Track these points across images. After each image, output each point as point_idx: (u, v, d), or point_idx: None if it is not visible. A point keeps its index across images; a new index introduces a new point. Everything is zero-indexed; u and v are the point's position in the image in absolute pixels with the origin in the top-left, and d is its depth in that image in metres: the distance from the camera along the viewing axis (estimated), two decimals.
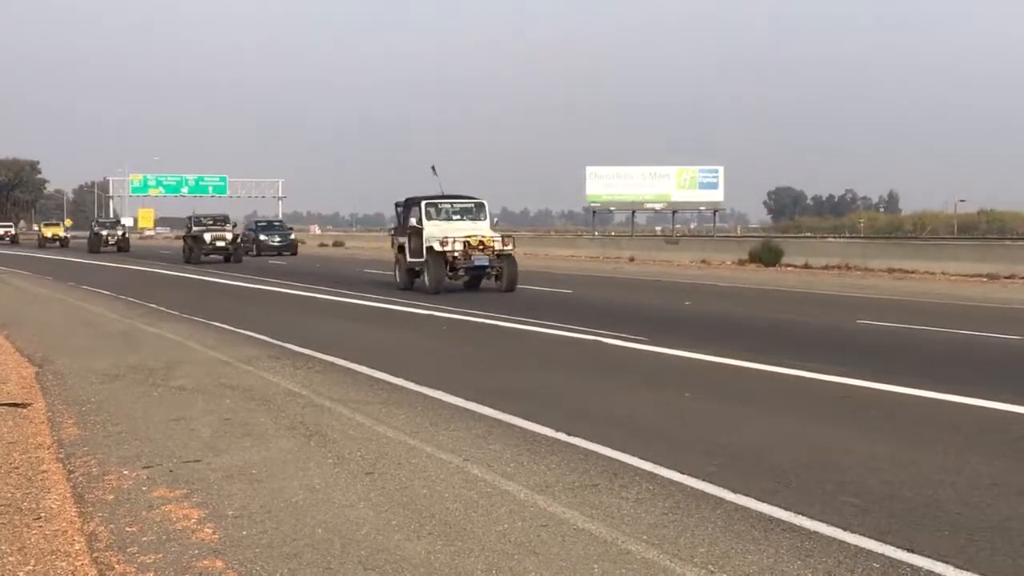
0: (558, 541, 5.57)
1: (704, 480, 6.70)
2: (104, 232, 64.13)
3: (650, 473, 6.94)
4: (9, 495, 6.69)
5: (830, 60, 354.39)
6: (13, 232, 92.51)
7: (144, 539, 5.76)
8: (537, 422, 8.56)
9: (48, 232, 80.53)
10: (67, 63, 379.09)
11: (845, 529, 5.66)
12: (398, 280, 25.42)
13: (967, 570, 5.12)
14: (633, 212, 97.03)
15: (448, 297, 22.10)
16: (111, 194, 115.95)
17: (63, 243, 77.02)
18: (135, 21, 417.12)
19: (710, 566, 5.21)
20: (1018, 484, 6.60)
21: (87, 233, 76.63)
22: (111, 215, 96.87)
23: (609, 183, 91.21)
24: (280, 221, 65.10)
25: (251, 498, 6.53)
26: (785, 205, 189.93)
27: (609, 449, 7.58)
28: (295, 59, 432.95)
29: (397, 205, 26.60)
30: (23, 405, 9.84)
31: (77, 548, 5.64)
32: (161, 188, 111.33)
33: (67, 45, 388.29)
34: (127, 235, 66.53)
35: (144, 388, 10.83)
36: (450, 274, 23.98)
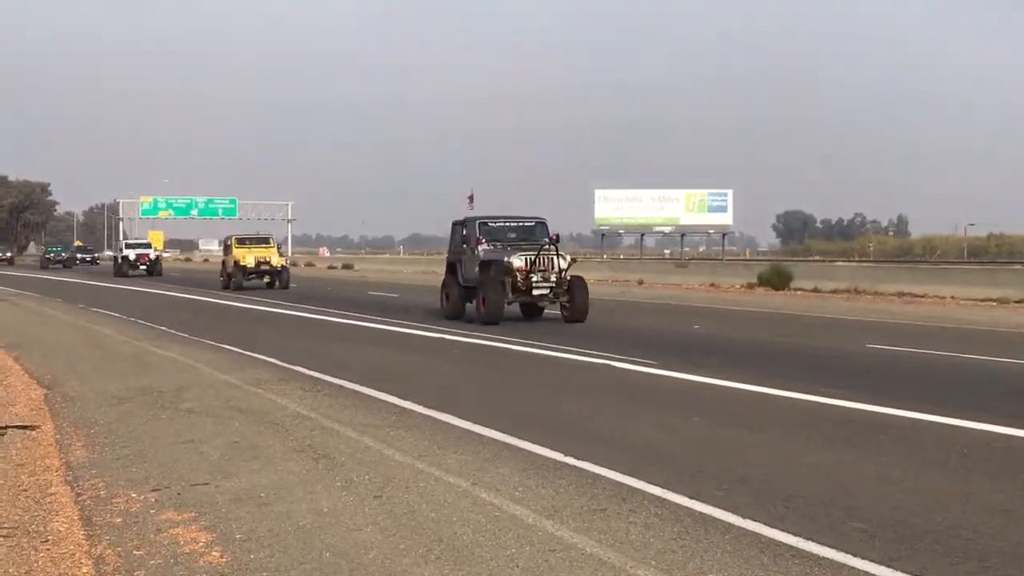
0: (566, 566, 5.56)
1: (713, 505, 6.68)
2: (536, 270, 22.04)
3: (659, 498, 6.92)
4: (17, 517, 6.69)
5: (840, 85, 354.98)
6: (153, 256, 58.98)
7: (152, 562, 5.75)
8: (545, 446, 8.54)
9: (248, 256, 40.11)
10: (77, 86, 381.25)
11: (855, 555, 5.63)
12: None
13: None
14: (642, 235, 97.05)
15: (457, 320, 22.10)
16: (121, 216, 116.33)
17: (276, 279, 40.04)
18: (143, 44, 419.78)
19: None
20: None
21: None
22: (122, 237, 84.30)
23: (618, 206, 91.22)
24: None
25: (259, 521, 6.53)
26: (794, 228, 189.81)
27: (618, 473, 7.56)
28: (304, 80, 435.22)
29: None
30: (32, 427, 9.85)
31: (84, 571, 5.65)
32: (171, 210, 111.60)
33: (76, 68, 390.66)
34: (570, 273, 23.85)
35: (153, 411, 10.84)
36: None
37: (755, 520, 6.31)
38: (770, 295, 33.11)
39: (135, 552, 5.94)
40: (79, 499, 7.18)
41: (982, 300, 27.58)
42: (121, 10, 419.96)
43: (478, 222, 23.04)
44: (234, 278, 39.77)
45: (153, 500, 7.10)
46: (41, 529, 6.43)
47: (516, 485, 7.34)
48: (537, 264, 21.27)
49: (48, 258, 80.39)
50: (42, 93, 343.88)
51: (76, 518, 6.69)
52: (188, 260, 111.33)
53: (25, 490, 7.42)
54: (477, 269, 21.99)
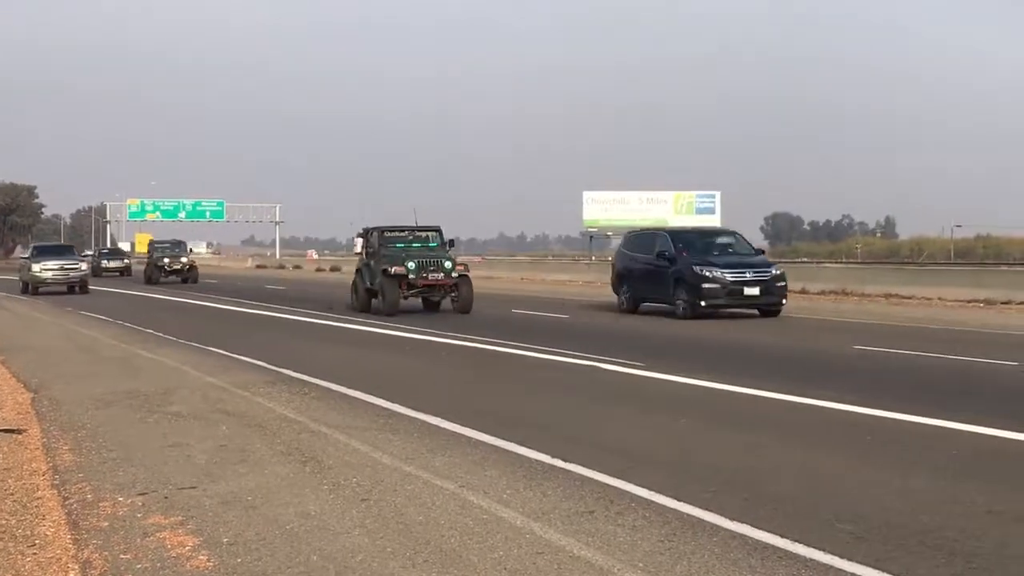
0: (554, 569, 5.56)
1: (701, 507, 6.68)
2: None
3: (646, 500, 6.93)
4: (3, 522, 6.67)
5: (825, 88, 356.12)
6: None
7: (139, 566, 5.74)
8: (534, 448, 8.55)
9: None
10: (64, 88, 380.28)
11: (842, 557, 5.64)
12: None
13: None
14: None
15: (445, 322, 22.09)
16: (108, 219, 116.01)
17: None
18: (130, 46, 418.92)
19: None
20: (1015, 511, 6.59)
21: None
22: (109, 241, 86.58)
23: (606, 208, 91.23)
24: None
25: (246, 525, 6.52)
26: (782, 230, 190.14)
27: (605, 476, 7.57)
28: (293, 83, 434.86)
29: None
30: (18, 431, 9.82)
31: None
32: (158, 213, 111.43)
33: (64, 69, 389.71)
34: None
35: (140, 414, 10.82)
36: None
37: (742, 522, 6.32)
38: None
39: (122, 556, 5.92)
40: (66, 503, 7.16)
41: (969, 301, 27.63)
42: (104, 14, 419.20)
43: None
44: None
45: (140, 504, 7.08)
46: (28, 533, 6.42)
47: (504, 488, 7.34)
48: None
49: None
50: (27, 96, 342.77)
51: (63, 522, 6.67)
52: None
53: (12, 494, 7.40)
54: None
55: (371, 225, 27.89)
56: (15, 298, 36.39)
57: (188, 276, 49.63)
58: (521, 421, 10.12)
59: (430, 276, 24.98)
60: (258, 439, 9.32)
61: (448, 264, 25.25)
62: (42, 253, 41.15)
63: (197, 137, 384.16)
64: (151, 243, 55.57)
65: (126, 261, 65.77)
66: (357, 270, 27.38)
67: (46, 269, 39.03)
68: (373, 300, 25.95)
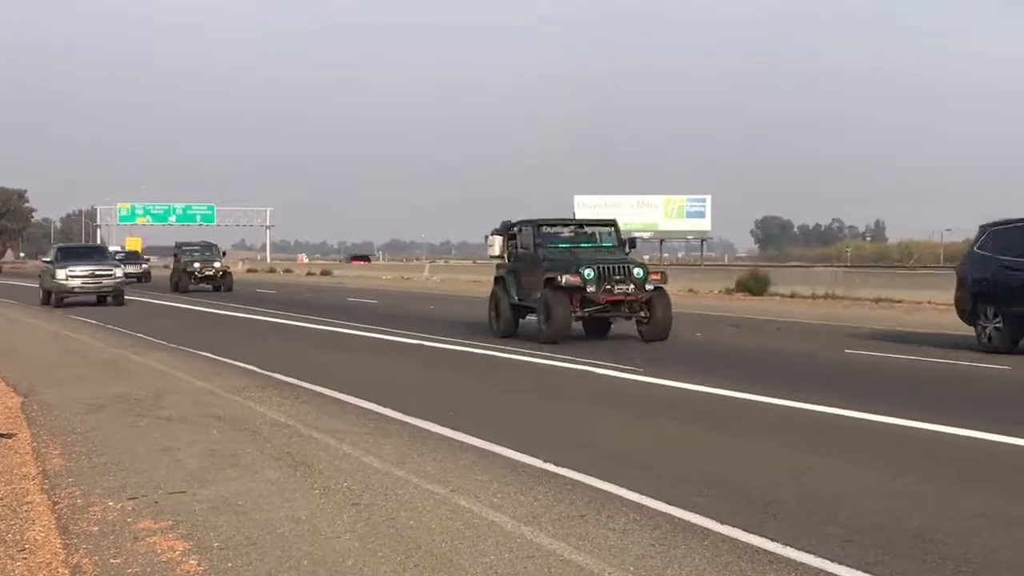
0: (545, 572, 5.56)
1: (691, 511, 6.69)
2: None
3: (637, 504, 6.93)
4: None
5: (816, 92, 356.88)
6: None
7: (129, 571, 5.72)
8: (524, 452, 8.54)
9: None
10: (54, 91, 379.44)
11: (833, 561, 5.65)
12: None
13: None
14: None
15: (435, 327, 22.07)
16: (99, 223, 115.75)
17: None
18: (121, 49, 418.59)
19: None
20: (1006, 515, 6.60)
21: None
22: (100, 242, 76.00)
23: (597, 212, 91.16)
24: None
25: (237, 530, 6.50)
26: (772, 234, 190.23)
27: (596, 480, 7.57)
28: (285, 85, 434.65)
29: None
30: (8, 435, 9.79)
31: None
32: (148, 217, 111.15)
33: (54, 73, 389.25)
34: None
35: (130, 418, 10.80)
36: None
37: (733, 526, 6.32)
38: (748, 300, 33.17)
39: (112, 561, 5.90)
40: (56, 508, 7.14)
41: None
42: (93, 17, 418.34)
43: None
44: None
45: (130, 508, 7.07)
46: (18, 538, 6.39)
47: (495, 492, 7.34)
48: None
49: None
50: (15, 99, 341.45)
51: (53, 527, 6.65)
52: (168, 268, 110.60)
53: (1, 499, 7.38)
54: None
55: (519, 219, 20.75)
56: (3, 301, 36.25)
57: (221, 283, 42.75)
58: (513, 424, 10.12)
59: (616, 289, 18.04)
60: (249, 443, 9.31)
61: (639, 272, 18.44)
62: (68, 256, 33.70)
63: (188, 139, 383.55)
64: (177, 246, 46.68)
65: (144, 266, 59.43)
66: (497, 279, 20.49)
67: (73, 276, 32.12)
68: (521, 320, 19.85)
